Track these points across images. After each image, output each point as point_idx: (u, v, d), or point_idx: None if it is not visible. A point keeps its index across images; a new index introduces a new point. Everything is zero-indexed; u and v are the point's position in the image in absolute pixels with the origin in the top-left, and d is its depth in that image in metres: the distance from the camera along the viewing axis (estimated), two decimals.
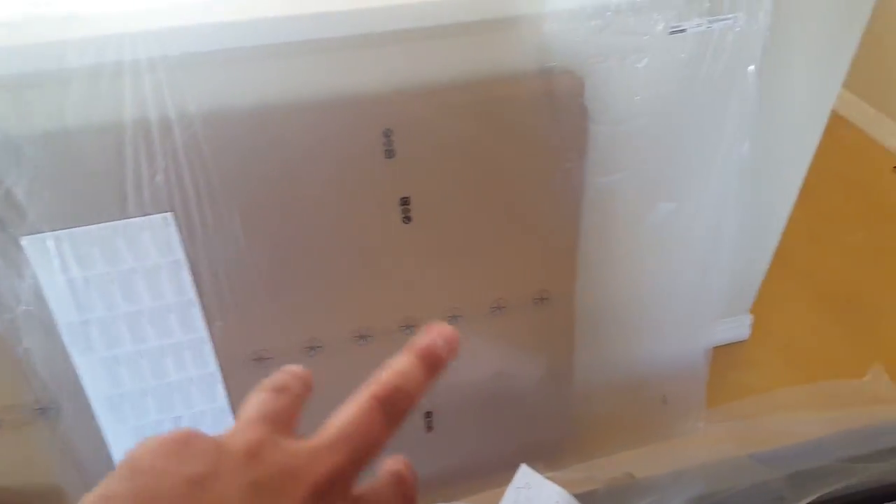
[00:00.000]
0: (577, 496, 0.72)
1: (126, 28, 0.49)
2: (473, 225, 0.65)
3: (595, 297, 0.74)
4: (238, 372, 0.67)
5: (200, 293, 0.62)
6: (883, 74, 1.36)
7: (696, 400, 0.80)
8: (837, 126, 1.43)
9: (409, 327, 0.69)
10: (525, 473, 0.71)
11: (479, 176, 0.64)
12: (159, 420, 0.67)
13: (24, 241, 0.55)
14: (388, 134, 0.59)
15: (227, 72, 0.54)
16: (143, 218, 0.57)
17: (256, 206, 0.59)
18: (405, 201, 0.63)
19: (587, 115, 0.63)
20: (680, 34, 0.61)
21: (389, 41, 0.56)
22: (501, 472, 0.72)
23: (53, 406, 0.63)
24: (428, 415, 0.74)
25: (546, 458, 0.76)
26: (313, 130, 0.57)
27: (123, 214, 0.57)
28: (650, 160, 0.67)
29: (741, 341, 0.94)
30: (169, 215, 0.58)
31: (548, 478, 0.73)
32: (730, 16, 0.61)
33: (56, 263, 0.57)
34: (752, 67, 0.63)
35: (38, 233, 0.55)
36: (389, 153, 0.60)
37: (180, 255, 0.60)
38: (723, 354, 0.91)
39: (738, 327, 0.94)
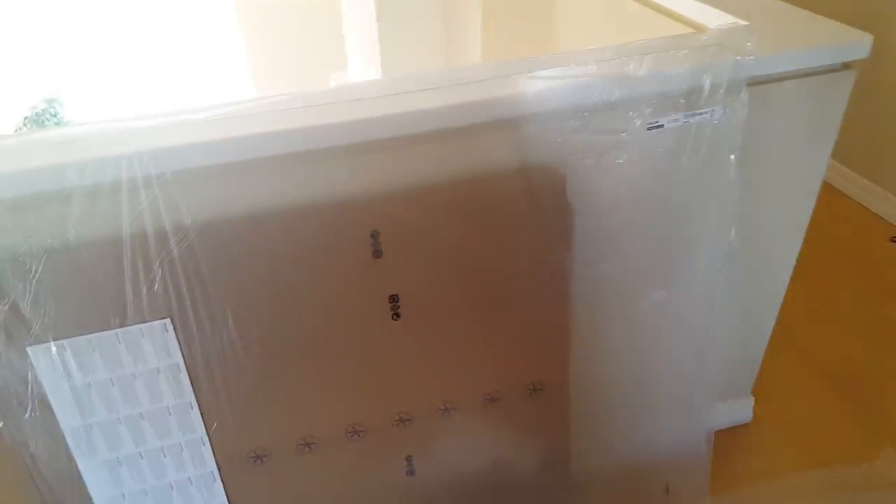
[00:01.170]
0: None
1: (121, 149, 0.53)
2: (463, 319, 0.67)
3: (589, 384, 0.73)
4: (236, 470, 0.67)
5: (198, 394, 0.63)
6: (874, 146, 1.36)
7: (700, 488, 0.78)
8: (832, 199, 1.42)
9: (403, 421, 0.69)
10: None
11: (467, 272, 0.65)
12: None
13: (30, 351, 0.58)
14: (375, 235, 0.61)
15: (218, 184, 0.57)
16: (142, 325, 0.60)
17: (249, 309, 0.61)
18: (394, 298, 0.64)
19: (571, 209, 0.65)
20: (658, 129, 0.63)
21: (374, 149, 0.59)
22: None
23: None
24: None
25: None
26: (302, 234, 0.60)
27: (123, 322, 0.59)
28: (636, 250, 0.68)
29: (744, 424, 0.92)
30: (167, 321, 0.60)
31: None
32: (706, 110, 0.63)
33: (59, 370, 0.59)
34: (732, 156, 0.65)
35: (42, 342, 0.57)
36: (377, 253, 0.62)
37: (178, 358, 0.62)
38: (725, 438, 0.89)
39: (740, 410, 0.93)
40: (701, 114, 0.64)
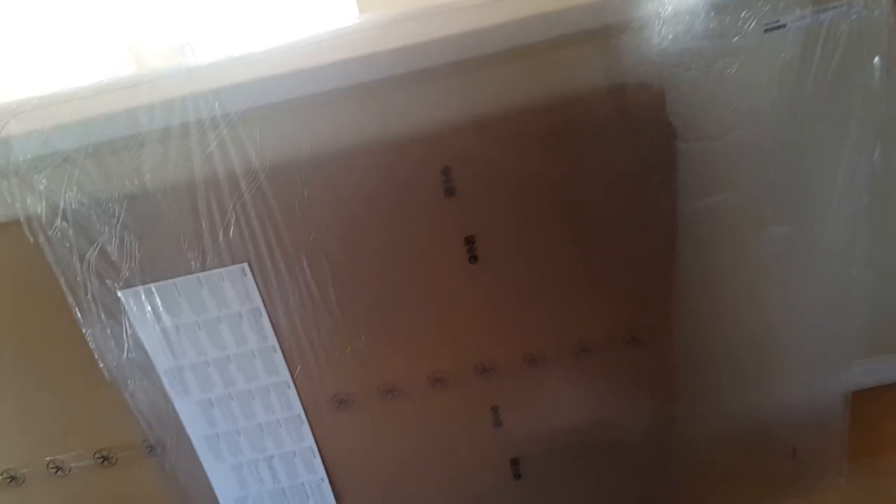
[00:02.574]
0: None
1: (187, 90, 0.52)
2: (547, 262, 0.61)
3: (699, 336, 0.65)
4: (321, 414, 0.67)
5: (280, 339, 0.63)
6: None
7: (835, 452, 0.67)
8: None
9: (488, 370, 0.66)
10: None
11: (551, 209, 0.59)
12: (253, 459, 0.70)
13: (121, 294, 0.60)
14: (446, 171, 0.57)
15: (282, 123, 0.55)
16: (221, 269, 0.60)
17: (322, 253, 0.59)
18: (470, 240, 0.60)
19: (672, 132, 0.57)
20: (778, 31, 0.53)
21: (441, 75, 0.54)
22: None
23: (160, 445, 0.68)
24: (515, 461, 0.70)
25: None
26: (371, 173, 0.57)
27: (204, 266, 0.60)
28: (754, 178, 0.58)
29: (892, 383, 0.79)
30: (245, 265, 0.60)
31: None
32: (841, 3, 0.52)
33: (149, 314, 0.61)
34: (876, 60, 0.53)
35: (132, 286, 0.59)
36: (449, 191, 0.57)
37: (258, 303, 0.62)
38: (873, 399, 0.77)
39: (889, 368, 0.79)
40: (834, 8, 0.52)
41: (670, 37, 0.53)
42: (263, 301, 0.61)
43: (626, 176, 0.58)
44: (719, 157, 0.58)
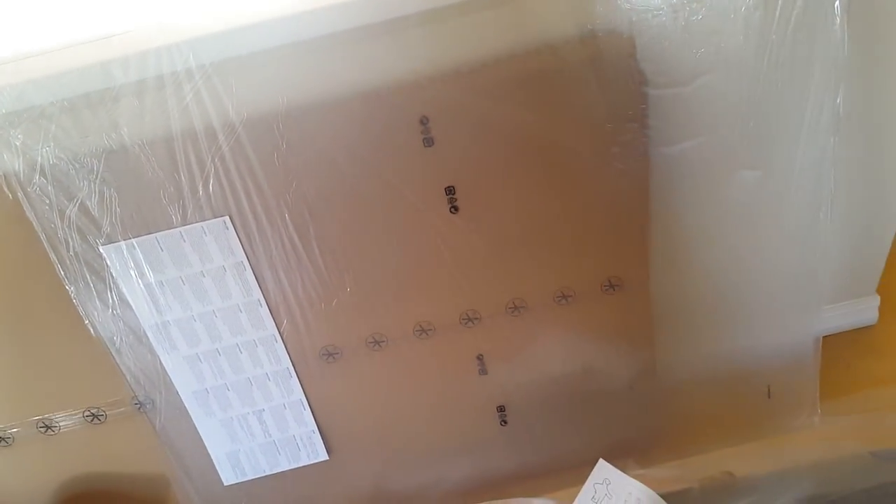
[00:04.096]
0: (668, 495, 0.67)
1: (161, 42, 0.52)
2: (527, 211, 0.62)
3: (674, 281, 0.67)
4: (310, 367, 0.69)
5: (265, 292, 0.64)
6: None
7: (808, 393, 0.70)
8: None
9: (472, 320, 0.67)
10: (603, 469, 0.67)
11: (528, 158, 0.60)
12: (243, 413, 0.71)
13: (103, 250, 0.60)
14: (424, 122, 0.57)
15: (258, 75, 0.55)
16: (203, 223, 0.61)
17: (304, 205, 0.60)
18: (450, 190, 0.61)
19: (643, 78, 0.58)
20: None
21: (413, 24, 0.54)
22: (581, 469, 0.68)
23: (149, 401, 0.69)
24: (501, 408, 0.72)
25: (633, 456, 0.71)
26: (349, 124, 0.57)
27: (185, 221, 0.60)
28: (723, 123, 0.60)
29: (868, 326, 0.82)
30: (226, 219, 0.61)
31: (636, 476, 0.68)
32: None
33: (132, 269, 0.62)
34: (836, 3, 0.54)
35: (113, 241, 0.60)
36: (428, 141, 0.58)
37: (241, 256, 0.62)
38: (846, 341, 0.79)
39: (864, 310, 0.82)
40: None
41: None
42: (246, 254, 0.62)
43: (599, 123, 0.59)
44: (689, 103, 0.59)
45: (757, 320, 0.71)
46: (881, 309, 0.82)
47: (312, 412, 0.72)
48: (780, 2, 0.54)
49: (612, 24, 0.55)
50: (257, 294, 0.65)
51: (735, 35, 0.56)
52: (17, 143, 0.55)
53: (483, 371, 0.71)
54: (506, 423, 0.73)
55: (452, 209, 0.62)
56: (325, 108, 0.57)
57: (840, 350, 0.77)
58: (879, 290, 0.81)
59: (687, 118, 0.59)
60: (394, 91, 0.56)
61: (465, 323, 0.68)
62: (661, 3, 0.54)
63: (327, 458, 0.74)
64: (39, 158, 0.55)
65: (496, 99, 0.57)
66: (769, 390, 0.73)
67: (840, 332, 0.81)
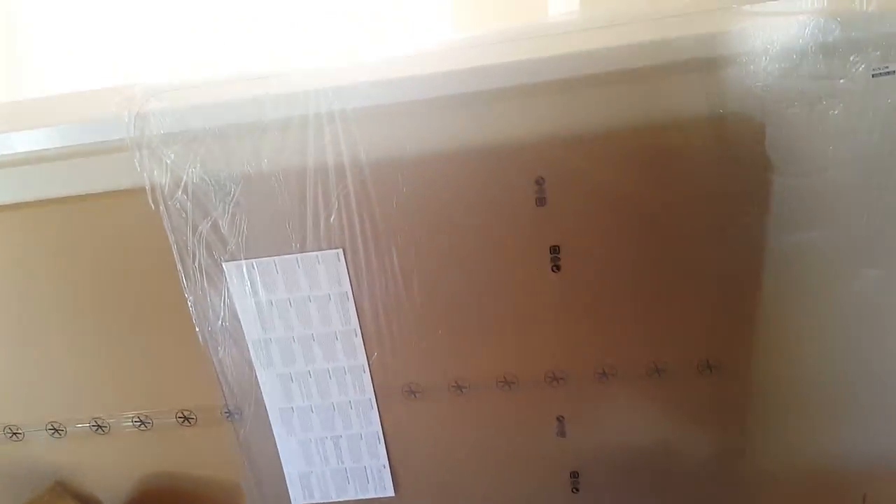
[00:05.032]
0: None
1: (311, 86, 0.56)
2: (630, 278, 0.62)
3: (776, 372, 0.65)
4: (391, 401, 0.70)
5: (362, 324, 0.67)
6: None
7: None
8: None
9: (558, 379, 0.67)
10: None
11: (638, 227, 0.61)
12: (322, 437, 0.73)
13: (225, 266, 0.65)
14: (540, 182, 0.59)
15: (392, 124, 0.58)
16: (318, 252, 0.64)
17: (413, 247, 0.63)
18: (555, 249, 0.62)
19: (769, 165, 0.57)
20: (887, 76, 0.53)
21: (545, 91, 0.56)
22: None
23: (238, 411, 0.72)
24: (574, 475, 0.71)
25: None
26: (467, 177, 0.60)
27: (303, 248, 0.64)
28: (847, 218, 0.58)
29: None
30: (340, 251, 0.64)
31: None
32: None
33: (248, 287, 0.66)
34: None
35: (236, 260, 0.64)
36: (541, 201, 0.60)
37: (347, 287, 0.65)
38: None
39: None
40: None
41: (776, 73, 0.54)
42: (352, 286, 0.65)
43: (718, 203, 0.59)
44: (815, 195, 0.58)
45: (860, 422, 0.67)
46: None
47: (387, 446, 0.73)
48: None
49: (743, 108, 0.55)
50: (354, 324, 0.67)
51: (871, 133, 0.55)
52: (168, 161, 0.60)
53: (561, 433, 0.70)
54: (577, 490, 0.72)
55: (555, 268, 0.63)
56: (446, 160, 0.59)
57: None
58: None
59: (810, 210, 0.58)
60: (515, 151, 0.58)
61: (550, 382, 0.68)
62: (797, 95, 0.54)
63: (393, 494, 0.75)
64: (185, 177, 0.60)
65: (613, 168, 0.58)
66: (864, 498, 0.68)
67: None
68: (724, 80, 0.55)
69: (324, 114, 0.57)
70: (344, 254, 0.64)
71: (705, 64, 0.55)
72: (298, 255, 0.64)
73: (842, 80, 0.54)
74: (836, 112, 0.54)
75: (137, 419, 0.75)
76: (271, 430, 0.73)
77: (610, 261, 0.62)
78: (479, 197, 0.61)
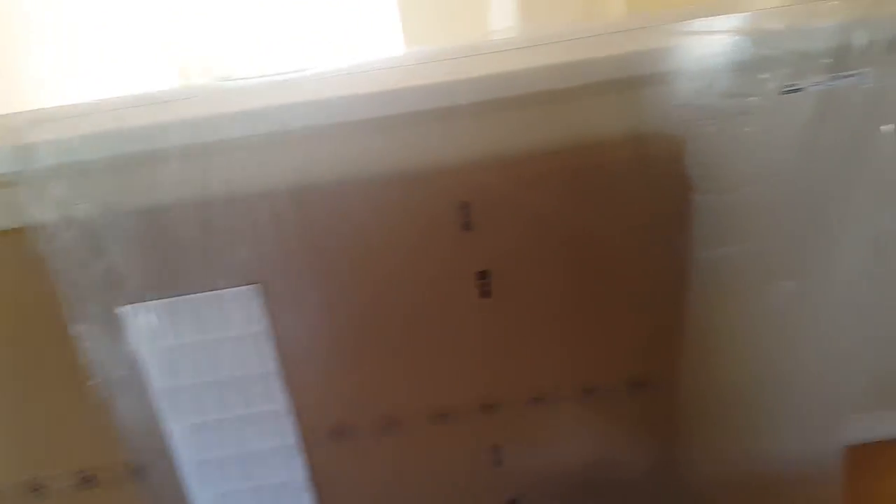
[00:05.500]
0: None
1: (212, 110, 0.52)
2: (559, 301, 0.61)
3: (703, 384, 0.66)
4: (318, 445, 0.66)
5: (282, 364, 0.62)
6: None
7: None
8: None
9: (490, 407, 0.65)
10: None
11: (566, 249, 0.60)
12: (240, 489, 0.68)
13: (123, 310, 0.58)
14: (465, 206, 0.57)
15: (307, 149, 0.55)
16: (230, 290, 0.59)
17: (334, 279, 0.59)
18: (483, 275, 0.60)
19: (689, 183, 0.58)
20: (795, 94, 0.55)
21: (466, 114, 0.54)
22: None
23: (144, 467, 0.65)
24: (512, 502, 0.69)
25: None
26: (388, 204, 0.57)
27: (212, 286, 0.59)
28: (764, 233, 0.60)
29: (893, 439, 0.80)
30: (254, 287, 0.59)
31: None
32: (856, 72, 0.54)
33: (150, 331, 0.60)
34: (888, 127, 0.55)
35: (135, 301, 0.58)
36: (466, 225, 0.58)
37: (264, 326, 0.61)
38: (869, 454, 0.78)
39: (890, 422, 0.80)
40: (849, 76, 0.54)
41: (691, 92, 0.55)
42: (268, 325, 0.60)
43: (641, 222, 0.59)
44: (733, 211, 0.59)
45: (784, 428, 0.69)
46: None
47: (315, 493, 0.68)
48: (831, 120, 0.55)
49: (663, 128, 0.56)
50: (274, 365, 0.62)
51: (784, 149, 0.56)
52: (54, 197, 0.53)
53: (497, 462, 0.68)
54: None
55: (483, 294, 0.61)
56: (367, 186, 0.56)
57: (872, 464, 0.76)
58: None
59: (729, 226, 0.59)
60: (438, 175, 0.56)
61: (484, 411, 0.66)
62: (714, 113, 0.55)
63: None
64: (74, 213, 0.54)
65: (539, 189, 0.57)
66: (791, 502, 0.70)
67: (871, 444, 0.79)
68: (643, 100, 0.55)
69: (227, 140, 0.53)
70: (258, 289, 0.59)
71: (623, 84, 0.55)
72: (208, 294, 0.59)
73: (753, 98, 0.55)
74: (749, 129, 0.55)
75: (33, 485, 0.66)
76: (184, 485, 0.67)
77: (538, 284, 0.61)
78: (403, 223, 0.58)
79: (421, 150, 0.56)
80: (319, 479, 0.67)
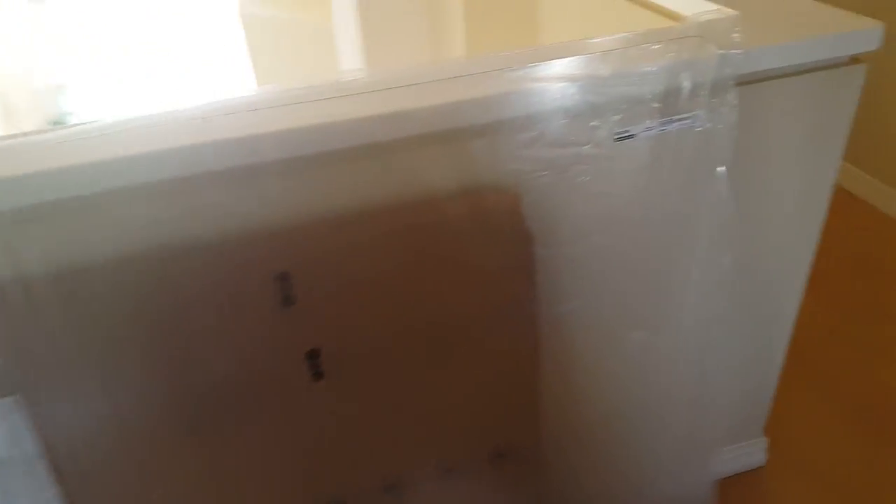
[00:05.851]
0: None
1: None
2: (402, 377, 0.54)
3: (567, 441, 0.61)
4: None
5: (63, 488, 0.50)
6: (890, 145, 1.26)
7: None
8: (847, 205, 1.32)
9: (341, 503, 0.56)
10: None
11: (405, 319, 0.53)
12: None
13: None
14: (284, 277, 0.49)
15: (74, 221, 0.44)
16: None
17: (125, 376, 0.48)
18: (313, 354, 0.51)
19: (529, 237, 0.53)
20: (628, 140, 0.52)
21: (276, 172, 0.46)
22: None
23: None
24: None
25: None
26: (189, 281, 0.47)
27: None
28: (609, 284, 0.57)
29: (757, 468, 0.81)
30: (14, 399, 0.47)
31: None
32: (686, 115, 0.52)
33: None
34: (721, 168, 0.54)
35: None
36: (288, 299, 0.49)
37: (32, 445, 0.48)
38: (736, 485, 0.78)
39: (752, 453, 0.81)
40: (680, 120, 0.53)
41: (525, 142, 0.50)
42: (38, 443, 0.48)
43: (483, 282, 0.54)
44: (576, 263, 0.55)
45: (652, 470, 0.67)
46: (769, 450, 0.81)
47: None
48: (666, 165, 0.53)
49: (496, 181, 0.51)
50: (51, 491, 0.50)
51: (621, 196, 0.53)
52: None
53: None
54: None
55: (316, 375, 0.53)
56: (160, 261, 0.46)
57: (732, 494, 0.75)
58: (767, 432, 0.81)
59: (574, 278, 0.55)
60: (249, 244, 0.47)
61: None
62: (547, 164, 0.51)
63: None
64: None
65: (369, 254, 0.50)
66: None
67: (731, 476, 0.79)
68: (474, 152, 0.50)
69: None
70: (21, 400, 0.47)
71: (452, 135, 0.49)
72: None
73: (585, 146, 0.51)
74: (585, 178, 0.52)
75: None
76: None
77: (377, 360, 0.53)
78: (216, 301, 0.48)
79: (226, 217, 0.47)
80: None
